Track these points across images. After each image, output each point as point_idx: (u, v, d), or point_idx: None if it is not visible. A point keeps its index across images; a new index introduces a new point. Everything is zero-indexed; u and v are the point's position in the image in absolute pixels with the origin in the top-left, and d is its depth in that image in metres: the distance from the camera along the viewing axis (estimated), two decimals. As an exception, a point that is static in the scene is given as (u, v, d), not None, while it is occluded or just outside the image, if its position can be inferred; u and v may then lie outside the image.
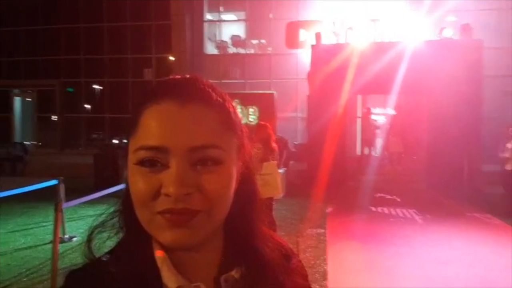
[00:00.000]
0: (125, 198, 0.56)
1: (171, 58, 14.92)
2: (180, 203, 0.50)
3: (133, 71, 15.68)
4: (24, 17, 16.46)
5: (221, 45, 15.03)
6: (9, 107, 16.56)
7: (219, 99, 0.55)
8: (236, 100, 10.95)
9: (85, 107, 16.48)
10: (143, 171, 0.51)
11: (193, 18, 14.79)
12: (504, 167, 7.33)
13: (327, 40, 10.46)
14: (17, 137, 15.76)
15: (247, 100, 10.59)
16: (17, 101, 16.91)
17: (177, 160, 0.51)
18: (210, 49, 15.22)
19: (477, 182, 9.10)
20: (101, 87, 16.30)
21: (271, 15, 14.27)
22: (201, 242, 0.54)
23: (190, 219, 0.51)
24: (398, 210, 7.40)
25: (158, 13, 15.28)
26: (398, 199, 8.39)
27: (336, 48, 10.04)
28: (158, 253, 0.55)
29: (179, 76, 0.57)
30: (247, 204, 0.60)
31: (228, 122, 0.55)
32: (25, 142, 13.44)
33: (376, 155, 12.32)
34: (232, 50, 14.86)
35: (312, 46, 10.52)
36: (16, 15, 16.47)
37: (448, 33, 10.05)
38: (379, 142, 12.72)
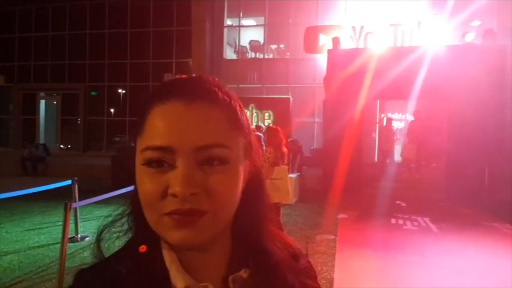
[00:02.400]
0: (133, 198, 0.57)
1: (191, 62, 15.13)
2: (187, 203, 0.50)
3: (153, 75, 15.99)
4: (52, 23, 17.12)
5: (240, 50, 15.14)
6: (34, 109, 17.19)
7: (225, 98, 0.55)
8: (252, 105, 11.00)
9: (107, 110, 16.90)
10: (150, 171, 0.52)
11: (213, 23, 14.98)
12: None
13: (346, 45, 10.36)
14: (41, 139, 16.31)
15: (263, 105, 10.61)
16: (42, 104, 17.54)
17: (184, 160, 0.51)
18: (229, 54, 15.36)
19: (498, 191, 8.76)
20: (123, 91, 16.70)
21: (290, 20, 14.28)
22: (209, 242, 0.54)
23: (197, 220, 0.51)
24: (413, 219, 7.20)
25: (179, 19, 15.56)
26: (414, 207, 8.17)
27: (354, 53, 9.92)
28: (167, 253, 0.56)
29: (185, 76, 0.57)
30: (255, 203, 0.60)
31: (235, 121, 0.55)
32: (47, 144, 13.85)
33: (395, 162, 12.06)
34: (250, 55, 14.94)
35: (329, 50, 10.45)
36: (45, 21, 17.14)
37: (470, 37, 9.77)
38: (397, 149, 12.45)
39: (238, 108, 0.57)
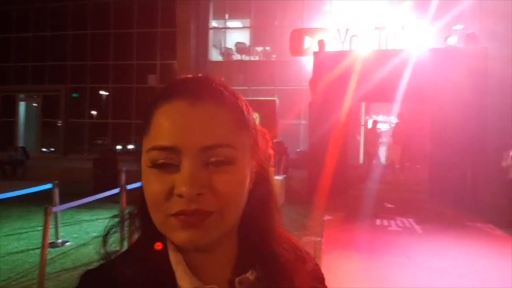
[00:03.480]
0: (140, 199, 0.56)
1: (176, 64, 15.01)
2: (192, 204, 0.50)
3: (137, 77, 15.82)
4: (32, 23, 16.75)
5: (225, 52, 15.11)
6: (14, 111, 16.76)
7: (231, 97, 0.55)
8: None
9: (89, 113, 16.62)
10: (156, 172, 0.51)
11: (199, 25, 14.91)
12: (507, 176, 7.18)
13: (332, 47, 10.43)
14: (20, 142, 15.92)
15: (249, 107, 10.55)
16: (22, 106, 17.12)
17: (189, 160, 0.50)
18: (215, 56, 15.30)
19: (480, 192, 8.93)
20: (106, 93, 16.45)
21: (276, 23, 14.32)
22: (215, 243, 0.53)
23: (203, 220, 0.50)
24: (397, 220, 7.26)
25: (164, 20, 15.43)
26: (398, 208, 8.25)
27: (339, 55, 9.99)
28: (173, 255, 0.55)
29: (190, 76, 0.57)
30: (262, 204, 0.59)
31: (241, 120, 0.55)
32: (27, 147, 13.51)
33: (379, 163, 12.18)
34: (236, 57, 14.92)
35: (314, 53, 10.50)
36: (24, 21, 16.77)
37: (453, 41, 9.95)
38: (382, 151, 12.59)
39: (244, 108, 0.56)
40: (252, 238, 0.58)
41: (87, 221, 6.87)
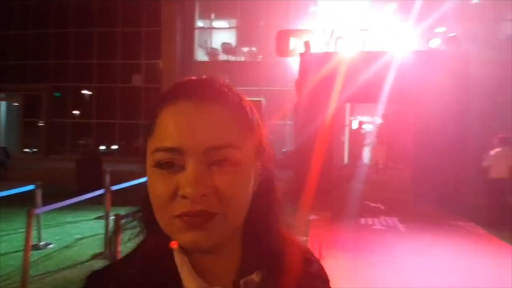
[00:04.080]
0: (145, 200, 0.56)
1: (161, 64, 14.89)
2: (197, 205, 0.50)
3: (121, 76, 15.63)
4: (13, 21, 16.36)
5: (211, 52, 15.06)
6: (-6, 111, 16.40)
7: (235, 98, 0.55)
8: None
9: (72, 112, 16.33)
10: (160, 173, 0.52)
11: (184, 25, 14.83)
12: (488, 176, 7.36)
13: (317, 49, 10.51)
14: (1, 142, 15.53)
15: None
16: (3, 105, 16.73)
17: (194, 161, 0.50)
18: (201, 56, 15.24)
19: (462, 192, 9.13)
20: (89, 92, 16.20)
21: (262, 23, 14.35)
22: (220, 244, 0.53)
23: (207, 222, 0.51)
24: (381, 219, 7.37)
25: (149, 19, 15.29)
26: (382, 208, 8.37)
27: (325, 57, 10.07)
28: (178, 256, 0.55)
29: (195, 77, 0.57)
30: (267, 206, 0.59)
31: (246, 121, 0.55)
32: (7, 147, 13.19)
33: (364, 164, 12.34)
34: (222, 57, 14.89)
35: (300, 54, 10.56)
36: (5, 19, 16.36)
37: (435, 43, 10.15)
38: (366, 151, 12.75)
39: (248, 109, 0.57)
40: (256, 239, 0.58)
41: (70, 222, 6.76)
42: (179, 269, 0.55)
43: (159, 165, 0.52)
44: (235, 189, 0.52)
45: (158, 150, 0.52)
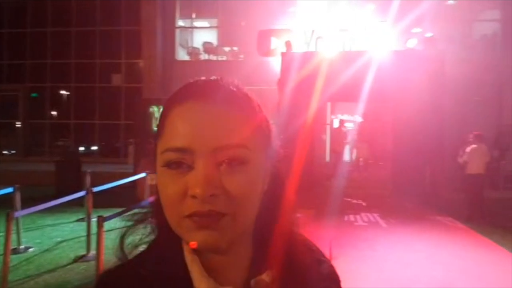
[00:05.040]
0: (155, 200, 0.57)
1: (141, 63, 14.70)
2: (206, 205, 0.50)
3: (100, 76, 15.36)
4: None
5: (193, 52, 14.96)
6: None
7: (244, 98, 0.56)
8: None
9: (50, 113, 15.95)
10: (170, 173, 0.52)
11: (165, 24, 14.68)
12: (464, 172, 7.59)
13: (298, 48, 10.60)
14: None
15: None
16: (-23, 107, 16.20)
17: (203, 161, 0.50)
18: (182, 55, 15.12)
19: (438, 187, 9.39)
20: (67, 93, 15.86)
21: (243, 23, 14.35)
22: (230, 244, 0.53)
23: (217, 221, 0.51)
24: (363, 215, 7.52)
25: (128, 18, 15.07)
26: (364, 204, 8.53)
27: (306, 56, 10.17)
28: (188, 256, 0.55)
29: (203, 78, 0.57)
30: (277, 205, 0.59)
31: (254, 121, 0.55)
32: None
33: (345, 161, 12.52)
34: (204, 56, 14.81)
35: (282, 53, 10.63)
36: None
37: (413, 43, 10.39)
38: (347, 149, 12.93)
39: (257, 109, 0.57)
40: (267, 239, 0.58)
41: (50, 225, 6.61)
42: (190, 269, 0.55)
43: (168, 165, 0.52)
44: (245, 188, 0.52)
45: (167, 150, 0.52)
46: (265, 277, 0.57)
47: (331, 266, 0.68)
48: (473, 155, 7.39)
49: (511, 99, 11.84)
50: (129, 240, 0.60)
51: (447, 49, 10.41)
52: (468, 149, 7.48)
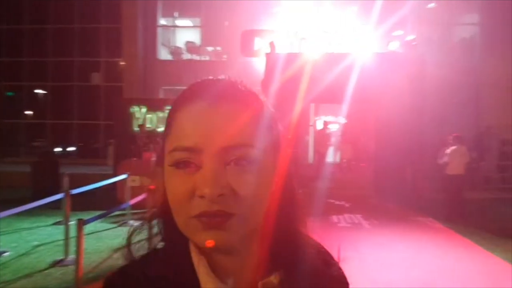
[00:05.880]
0: (162, 200, 0.56)
1: (122, 62, 14.43)
2: (214, 205, 0.50)
3: (79, 75, 15.00)
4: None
5: (175, 51, 14.79)
6: None
7: (252, 98, 0.56)
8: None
9: (26, 113, 15.48)
10: (178, 172, 0.52)
11: (146, 22, 14.46)
12: (445, 172, 7.73)
13: (281, 49, 10.60)
14: None
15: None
16: None
17: (211, 160, 0.50)
18: (164, 54, 14.93)
19: (419, 188, 9.53)
20: (44, 92, 15.42)
21: (226, 23, 14.27)
22: (238, 244, 0.53)
23: (225, 222, 0.50)
24: (346, 216, 7.55)
25: (108, 15, 14.78)
26: (347, 205, 8.57)
27: (290, 57, 10.17)
28: (196, 257, 0.55)
29: (211, 77, 0.58)
30: (286, 206, 0.59)
31: (263, 121, 0.55)
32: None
33: (328, 163, 12.59)
34: (186, 56, 14.66)
35: (266, 54, 10.61)
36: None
37: (394, 46, 10.55)
38: (331, 150, 13.01)
39: (266, 108, 0.56)
40: (275, 240, 0.58)
41: (27, 229, 6.39)
42: (196, 269, 0.55)
43: (176, 164, 0.52)
44: (253, 189, 0.51)
45: (175, 149, 0.52)
46: (273, 279, 0.56)
47: (340, 269, 0.67)
48: (453, 156, 7.53)
49: (488, 101, 12.18)
50: (135, 239, 0.60)
51: (427, 52, 10.60)
52: (448, 150, 7.61)
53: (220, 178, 0.50)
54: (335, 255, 0.68)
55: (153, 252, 0.59)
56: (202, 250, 0.55)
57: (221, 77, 0.58)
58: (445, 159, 7.63)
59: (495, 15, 12.27)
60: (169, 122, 0.55)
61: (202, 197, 0.50)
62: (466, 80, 12.08)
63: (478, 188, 10.05)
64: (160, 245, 0.60)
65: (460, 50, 12.99)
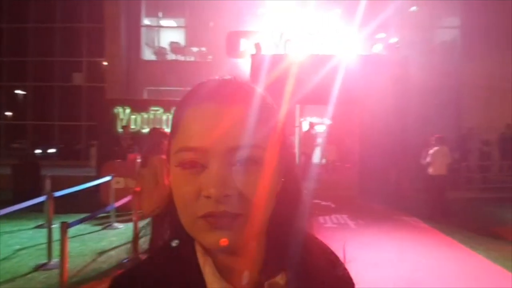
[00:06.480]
0: (168, 200, 0.56)
1: (105, 62, 14.19)
2: (220, 205, 0.50)
3: (60, 75, 14.69)
4: None
5: (159, 51, 14.64)
6: None
7: (258, 98, 0.55)
8: (174, 108, 10.68)
9: (4, 114, 15.07)
10: (184, 173, 0.52)
11: (130, 22, 14.26)
12: (428, 173, 7.87)
13: (267, 51, 10.63)
14: None
15: (185, 108, 10.36)
16: None
17: (217, 161, 0.50)
18: (148, 55, 14.76)
19: (403, 188, 9.68)
20: (23, 92, 15.04)
21: (211, 24, 14.21)
22: (243, 245, 0.53)
23: (231, 222, 0.51)
24: (332, 216, 7.61)
25: (90, 15, 14.53)
26: (333, 206, 8.64)
27: (275, 59, 10.20)
28: (201, 257, 0.56)
29: (218, 77, 0.58)
30: (291, 206, 0.59)
31: (269, 121, 0.55)
32: None
33: (314, 163, 12.66)
34: (171, 56, 14.53)
35: (252, 55, 10.62)
36: None
37: (378, 48, 10.70)
38: (317, 151, 13.09)
39: (272, 109, 0.57)
40: (281, 240, 0.58)
41: (7, 232, 6.21)
42: (202, 270, 0.55)
43: (182, 165, 0.52)
44: (259, 189, 0.51)
45: (181, 150, 0.52)
46: (279, 279, 0.56)
47: (346, 269, 0.67)
48: (436, 157, 7.68)
49: (469, 102, 12.48)
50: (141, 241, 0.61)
51: (410, 55, 10.79)
52: (431, 151, 7.76)
53: (226, 178, 0.50)
54: (340, 255, 0.69)
55: (158, 253, 0.59)
56: (208, 251, 0.55)
57: (227, 77, 0.57)
58: (428, 159, 7.77)
59: (474, 19, 12.59)
60: (175, 122, 0.55)
61: (208, 197, 0.50)
62: (447, 82, 12.36)
63: (460, 188, 10.28)
64: (166, 245, 0.59)
65: (441, 53, 13.27)
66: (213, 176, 0.50)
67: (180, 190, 0.52)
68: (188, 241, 0.56)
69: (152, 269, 0.56)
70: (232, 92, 0.54)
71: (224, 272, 0.55)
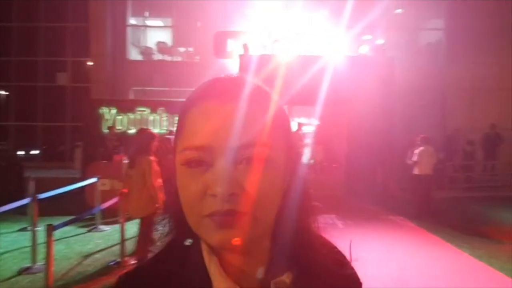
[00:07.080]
0: (173, 199, 0.56)
1: (90, 62, 13.98)
2: (226, 204, 0.49)
3: (44, 75, 14.42)
4: None
5: (145, 51, 14.49)
6: None
7: (265, 97, 0.55)
8: (162, 108, 10.58)
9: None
10: (190, 171, 0.52)
11: (115, 21, 14.08)
12: (413, 172, 7.97)
13: (254, 51, 10.62)
14: None
15: (172, 108, 10.29)
16: None
17: (223, 160, 0.50)
18: (134, 55, 14.60)
19: (389, 187, 9.79)
20: (5, 93, 14.71)
21: (198, 24, 14.14)
22: (249, 244, 0.53)
23: (237, 221, 0.50)
24: (320, 216, 7.62)
25: (75, 14, 14.30)
26: (321, 206, 8.66)
27: (263, 59, 10.21)
28: (207, 256, 0.55)
29: (223, 76, 0.57)
30: (297, 205, 0.59)
31: (275, 120, 0.54)
32: None
33: (303, 164, 12.69)
34: (157, 56, 14.40)
35: (239, 56, 10.60)
36: None
37: (364, 50, 10.80)
38: (305, 152, 13.14)
39: (278, 108, 0.56)
40: (287, 239, 0.57)
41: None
42: (208, 269, 0.55)
43: (188, 163, 0.52)
44: (265, 188, 0.51)
45: (186, 148, 0.52)
46: (286, 278, 0.56)
47: (352, 268, 0.67)
48: (421, 157, 7.78)
49: (453, 103, 12.69)
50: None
51: (396, 56, 10.93)
52: (416, 151, 7.86)
53: (232, 177, 0.50)
54: (347, 254, 0.68)
55: (164, 252, 0.59)
56: (214, 250, 0.54)
57: (233, 75, 0.57)
58: (414, 159, 7.87)
59: (458, 21, 12.83)
60: (180, 121, 0.55)
61: (213, 196, 0.49)
62: (432, 83, 12.55)
63: (445, 188, 10.44)
64: (171, 244, 0.59)
65: (426, 54, 13.48)
66: (219, 174, 0.49)
67: (185, 189, 0.52)
68: (194, 240, 0.56)
69: (158, 268, 0.56)
70: (238, 90, 0.53)
71: (230, 271, 0.55)
